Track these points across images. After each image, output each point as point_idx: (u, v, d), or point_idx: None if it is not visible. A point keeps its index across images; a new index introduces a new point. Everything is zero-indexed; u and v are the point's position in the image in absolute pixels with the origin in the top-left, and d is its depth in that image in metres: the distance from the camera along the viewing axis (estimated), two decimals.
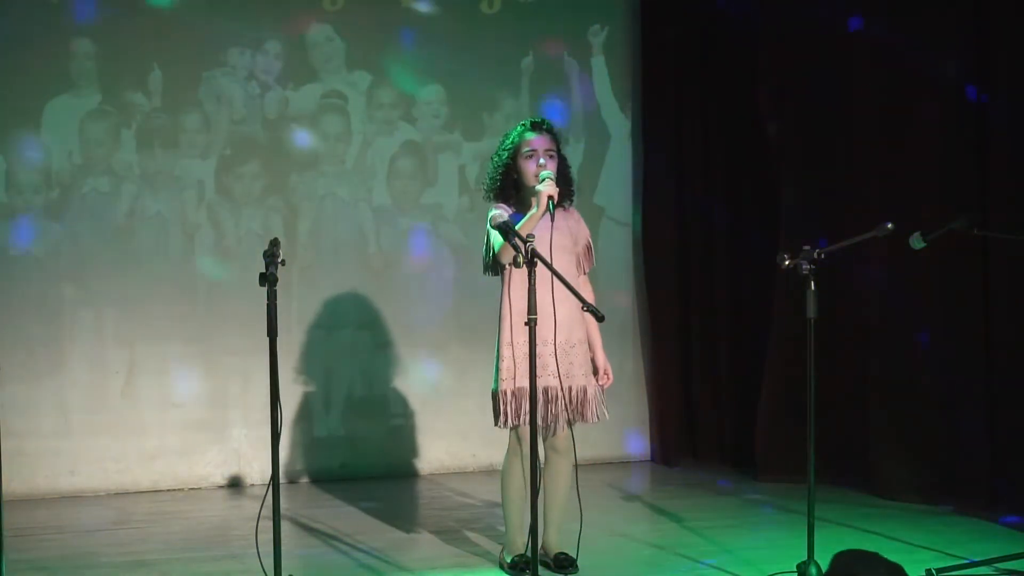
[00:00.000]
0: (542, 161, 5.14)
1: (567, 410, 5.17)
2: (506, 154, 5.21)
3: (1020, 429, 6.15)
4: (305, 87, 7.42)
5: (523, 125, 5.25)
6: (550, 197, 5.01)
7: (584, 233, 5.32)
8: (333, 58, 7.46)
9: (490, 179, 5.27)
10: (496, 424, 5.20)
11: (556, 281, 4.79)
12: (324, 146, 7.45)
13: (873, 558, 4.76)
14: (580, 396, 5.20)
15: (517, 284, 5.11)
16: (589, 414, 5.21)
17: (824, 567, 4.80)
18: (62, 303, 7.08)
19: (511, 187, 5.21)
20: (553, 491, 5.29)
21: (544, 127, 5.22)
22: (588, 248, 5.32)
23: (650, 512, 6.56)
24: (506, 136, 5.29)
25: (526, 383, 5.10)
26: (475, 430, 7.43)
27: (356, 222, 7.50)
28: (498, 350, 5.18)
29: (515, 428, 5.17)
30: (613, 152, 7.89)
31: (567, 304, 5.06)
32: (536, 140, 5.17)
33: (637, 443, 7.91)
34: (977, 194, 6.31)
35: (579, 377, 5.19)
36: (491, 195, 5.27)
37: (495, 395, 5.18)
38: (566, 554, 5.27)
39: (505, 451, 5.28)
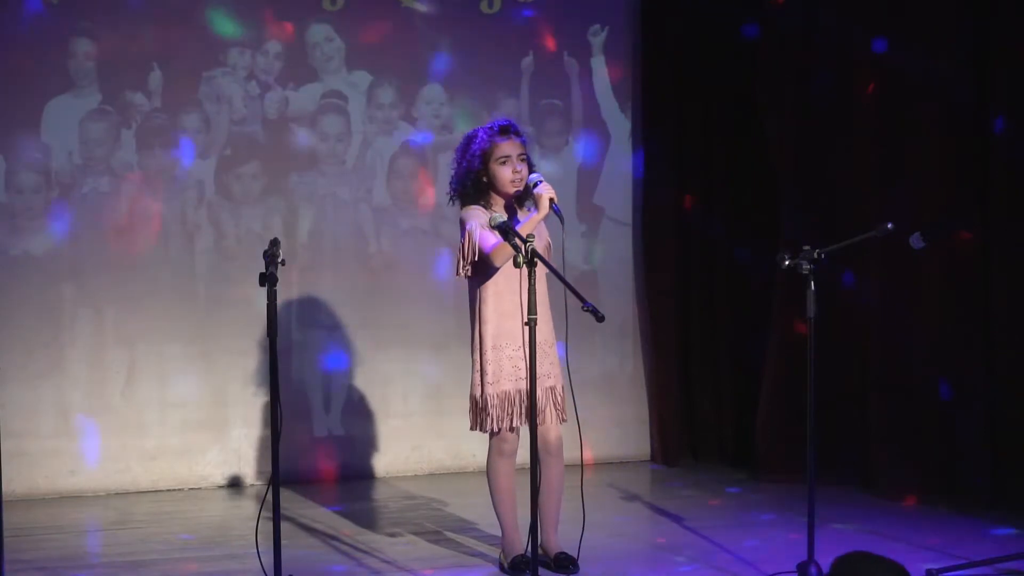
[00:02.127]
0: (519, 167, 5.13)
1: (551, 409, 5.19)
2: (477, 161, 5.16)
3: (1020, 429, 6.15)
4: (305, 87, 7.42)
5: (491, 129, 5.19)
6: (552, 199, 5.01)
7: (545, 233, 5.28)
8: (333, 58, 7.46)
9: (459, 184, 5.22)
10: (477, 428, 5.22)
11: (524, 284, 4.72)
12: (324, 146, 7.45)
13: (873, 559, 4.76)
14: (561, 395, 5.21)
15: (498, 286, 5.10)
16: (564, 413, 5.24)
17: (824, 567, 4.80)
18: (62, 303, 7.08)
19: (484, 191, 5.18)
20: (548, 493, 5.26)
21: (512, 131, 5.19)
22: (548, 248, 5.27)
23: (650, 512, 6.56)
24: (470, 139, 5.22)
25: (510, 386, 5.12)
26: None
27: (356, 222, 7.50)
28: (481, 353, 5.15)
29: (499, 432, 5.18)
30: (613, 152, 7.89)
31: (540, 306, 5.05)
32: (508, 146, 5.14)
33: (637, 443, 7.90)
34: (978, 194, 6.31)
35: (556, 377, 5.22)
36: (457, 200, 5.24)
37: (478, 400, 5.16)
38: (566, 554, 5.27)
39: (487, 454, 5.30)
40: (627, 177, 7.90)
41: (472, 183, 5.17)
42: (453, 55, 7.60)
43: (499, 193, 5.18)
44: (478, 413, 5.19)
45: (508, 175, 5.12)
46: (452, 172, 5.28)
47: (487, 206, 5.16)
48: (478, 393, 5.16)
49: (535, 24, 7.72)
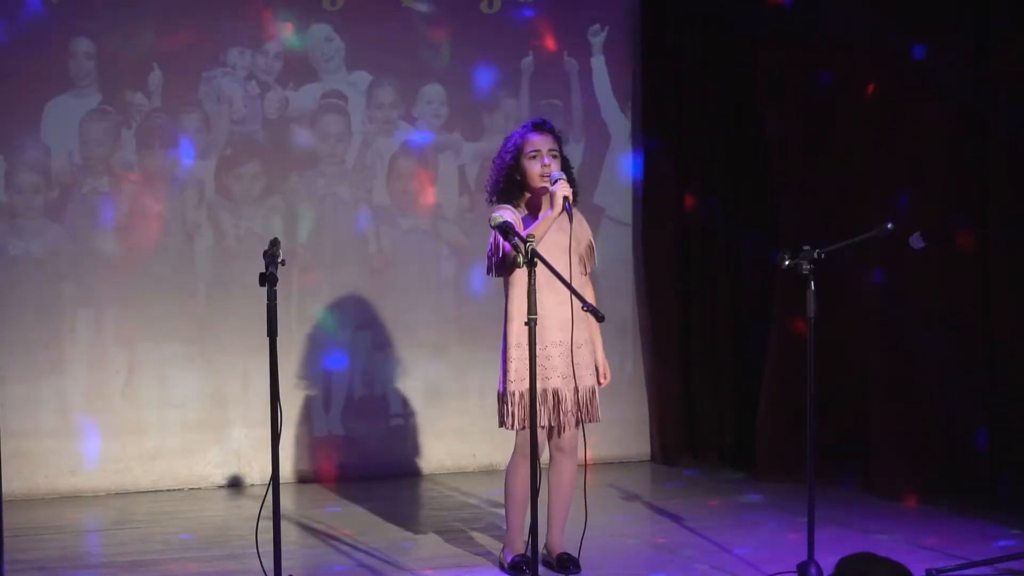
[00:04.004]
0: (547, 161, 5.15)
1: (576, 410, 5.17)
2: (509, 155, 5.21)
3: (1020, 429, 6.15)
4: (305, 87, 7.42)
5: (525, 126, 5.26)
6: (566, 197, 5.02)
7: (587, 233, 5.33)
8: (333, 58, 7.46)
9: (493, 181, 5.27)
10: (502, 426, 5.20)
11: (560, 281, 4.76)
12: (324, 146, 7.45)
13: (877, 560, 4.76)
14: (588, 396, 5.20)
15: (523, 285, 5.09)
16: (596, 414, 5.22)
17: (824, 567, 4.80)
18: (62, 303, 7.08)
19: (515, 189, 5.21)
20: (558, 491, 5.28)
21: (547, 128, 5.23)
22: (590, 248, 5.33)
23: (650, 512, 6.56)
24: (508, 139, 5.30)
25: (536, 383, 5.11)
26: (475, 430, 7.43)
27: (356, 222, 7.50)
28: (505, 351, 5.17)
29: (524, 429, 5.16)
30: (613, 152, 7.89)
31: (574, 304, 5.06)
32: (540, 140, 5.18)
33: (637, 443, 7.90)
34: (978, 194, 6.31)
35: (586, 377, 5.20)
36: (494, 198, 5.27)
37: (503, 396, 5.17)
38: (569, 554, 5.27)
39: (512, 451, 5.26)
40: (627, 177, 7.91)
41: (505, 179, 5.21)
42: (453, 55, 7.60)
43: (530, 190, 5.19)
44: (502, 409, 5.18)
45: (537, 169, 5.15)
46: (490, 172, 5.32)
47: (518, 206, 5.19)
48: (502, 389, 5.17)
49: (535, 24, 7.72)
